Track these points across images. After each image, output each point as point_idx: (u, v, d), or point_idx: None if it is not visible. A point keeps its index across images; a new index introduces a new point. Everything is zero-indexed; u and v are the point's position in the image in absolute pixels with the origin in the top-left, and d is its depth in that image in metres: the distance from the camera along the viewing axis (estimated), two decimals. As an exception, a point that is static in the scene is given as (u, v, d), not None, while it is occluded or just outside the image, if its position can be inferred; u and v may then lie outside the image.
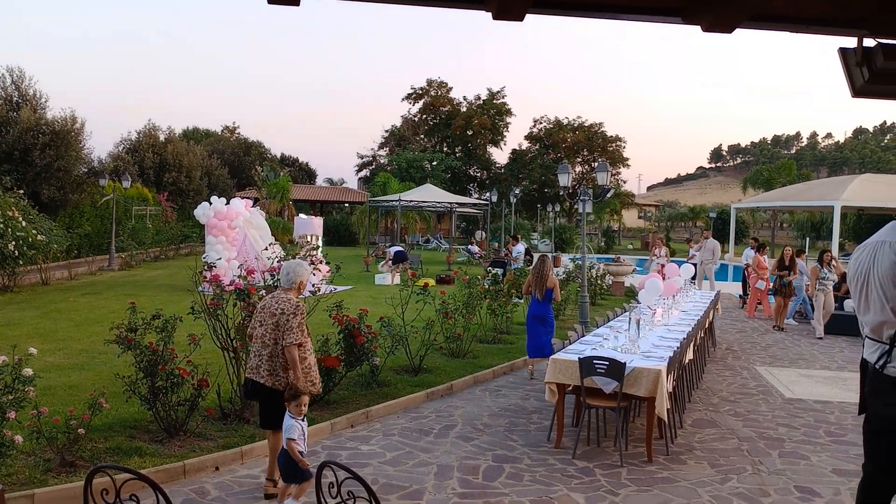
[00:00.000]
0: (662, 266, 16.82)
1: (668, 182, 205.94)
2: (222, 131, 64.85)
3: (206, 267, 7.67)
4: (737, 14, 2.32)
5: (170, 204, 31.41)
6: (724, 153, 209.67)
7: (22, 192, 17.81)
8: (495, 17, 2.34)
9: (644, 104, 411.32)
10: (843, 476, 6.36)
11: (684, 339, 8.01)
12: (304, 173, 62.54)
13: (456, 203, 33.37)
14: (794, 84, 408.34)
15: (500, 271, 17.51)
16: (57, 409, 6.37)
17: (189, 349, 6.58)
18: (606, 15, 2.47)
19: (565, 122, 56.69)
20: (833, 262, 14.43)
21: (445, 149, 57.22)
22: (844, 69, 2.61)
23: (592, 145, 55.69)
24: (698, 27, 2.44)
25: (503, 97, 57.21)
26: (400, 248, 23.84)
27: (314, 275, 7.01)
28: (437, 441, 7.05)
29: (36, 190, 21.00)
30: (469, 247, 33.66)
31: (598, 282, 18.68)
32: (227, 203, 18.34)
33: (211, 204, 18.13)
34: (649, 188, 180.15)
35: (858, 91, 2.58)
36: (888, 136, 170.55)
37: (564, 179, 14.72)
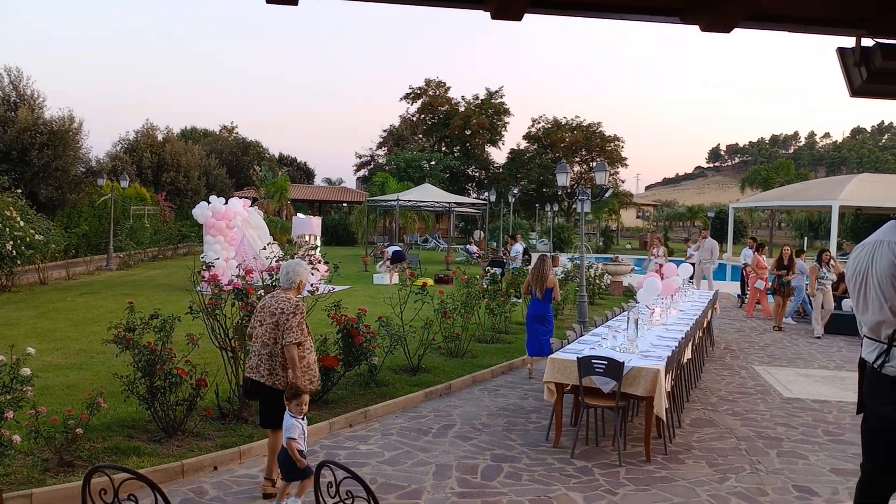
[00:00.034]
0: (660, 266, 16.84)
1: (667, 182, 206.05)
2: (220, 131, 64.80)
3: (204, 266, 7.66)
4: (735, 14, 2.32)
5: (168, 204, 31.38)
6: (723, 153, 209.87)
7: (20, 191, 17.79)
8: (494, 17, 2.34)
9: (642, 104, 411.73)
10: (841, 475, 6.36)
11: (682, 338, 8.01)
12: (303, 173, 62.52)
13: (454, 203, 33.36)
14: (793, 84, 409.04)
15: (498, 271, 17.50)
16: (55, 409, 6.37)
17: (187, 349, 6.57)
18: (605, 15, 2.46)
19: (563, 121, 56.69)
20: (832, 262, 14.45)
21: (444, 148, 57.21)
22: (843, 69, 2.62)
23: (591, 145, 55.70)
24: (696, 27, 2.44)
25: (501, 97, 57.24)
26: (398, 248, 23.82)
27: (312, 274, 7.00)
28: (436, 441, 7.05)
29: (34, 190, 20.96)
30: (467, 246, 33.64)
31: (597, 281, 18.67)
32: (226, 203, 18.33)
33: (209, 203, 18.12)
34: (647, 188, 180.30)
35: (857, 91, 2.58)
36: (886, 136, 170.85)
37: (563, 179, 14.73)
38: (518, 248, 20.42)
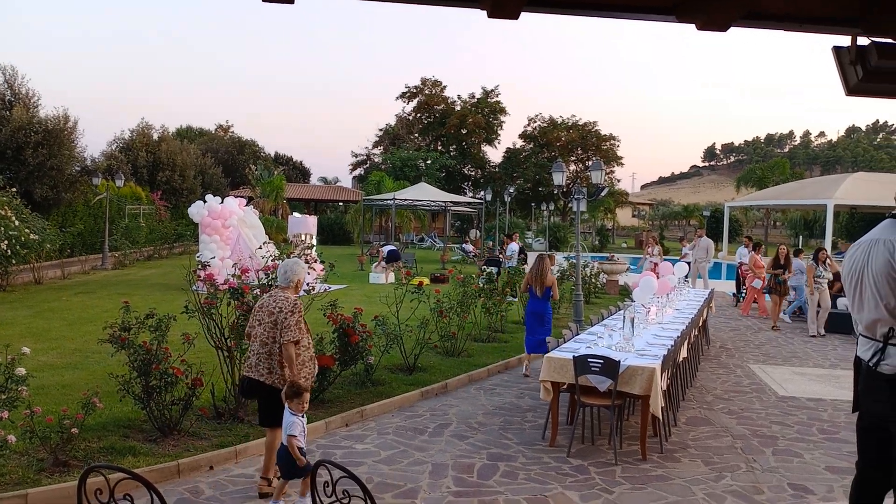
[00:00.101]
0: (656, 265, 16.86)
1: (662, 181, 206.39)
2: (216, 130, 64.71)
3: (199, 266, 7.66)
4: (731, 12, 2.33)
5: (163, 203, 31.33)
6: (718, 152, 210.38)
7: (14, 190, 17.73)
8: (490, 16, 2.34)
9: (638, 103, 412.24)
10: (836, 473, 6.38)
11: (678, 337, 8.02)
12: (299, 172, 62.44)
13: (450, 202, 33.33)
14: (788, 83, 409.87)
15: (494, 270, 17.50)
16: (50, 409, 6.36)
17: (183, 348, 6.56)
18: (600, 13, 2.47)
19: (559, 120, 56.81)
20: (828, 261, 14.49)
21: (440, 147, 57.26)
22: (838, 68, 2.62)
23: (586, 144, 55.81)
24: (692, 26, 2.45)
25: (497, 96, 57.30)
26: (393, 248, 23.81)
27: (308, 273, 7.00)
28: (432, 440, 7.05)
29: (29, 189, 20.90)
30: (463, 245, 33.66)
31: (593, 280, 18.70)
32: (221, 202, 18.30)
33: (205, 203, 18.09)
34: (643, 187, 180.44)
35: (852, 89, 2.59)
36: (880, 135, 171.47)
37: (559, 178, 14.75)
38: (514, 247, 20.41)
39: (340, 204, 52.31)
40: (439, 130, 56.88)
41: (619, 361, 6.51)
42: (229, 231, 17.98)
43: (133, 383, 6.34)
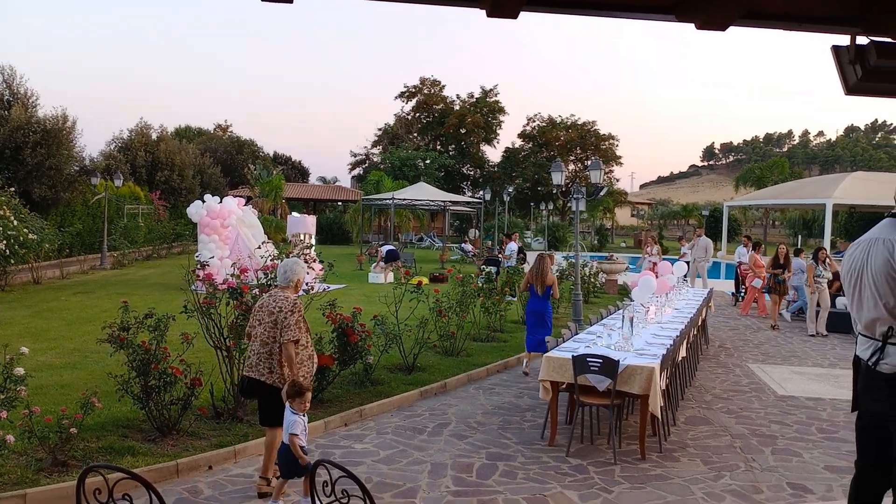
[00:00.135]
0: (654, 264, 16.86)
1: (661, 180, 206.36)
2: (214, 130, 64.73)
3: (198, 265, 7.65)
4: (730, 12, 2.33)
5: (162, 203, 31.32)
6: (717, 151, 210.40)
7: (13, 190, 17.72)
8: (489, 15, 2.34)
9: (637, 102, 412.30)
10: (835, 473, 6.38)
11: (677, 336, 8.03)
12: (297, 172, 62.44)
13: (449, 201, 33.35)
14: (787, 83, 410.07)
15: (493, 269, 17.51)
16: (49, 409, 6.35)
17: (182, 348, 6.56)
18: (600, 12, 2.47)
19: (558, 120, 56.81)
20: (828, 260, 14.50)
21: (439, 147, 57.26)
22: (837, 67, 2.62)
23: (585, 143, 55.82)
24: (692, 25, 2.45)
25: (496, 95, 57.30)
26: (391, 247, 23.80)
27: (307, 273, 7.00)
28: (431, 439, 7.05)
29: (27, 188, 20.88)
30: (462, 245, 33.66)
31: (592, 280, 18.71)
32: (220, 202, 18.30)
33: (204, 202, 18.08)
34: (642, 186, 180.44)
35: (852, 89, 2.59)
36: (879, 135, 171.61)
37: (558, 178, 14.76)
38: (512, 246, 20.41)
39: (339, 203, 52.31)
40: (438, 130, 56.87)
41: (618, 361, 6.51)
42: (228, 231, 17.97)
43: (132, 383, 6.34)
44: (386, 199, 30.36)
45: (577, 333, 8.41)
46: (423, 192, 31.46)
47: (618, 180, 60.65)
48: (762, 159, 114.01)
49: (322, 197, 53.08)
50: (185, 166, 35.21)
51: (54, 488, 5.27)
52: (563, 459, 6.53)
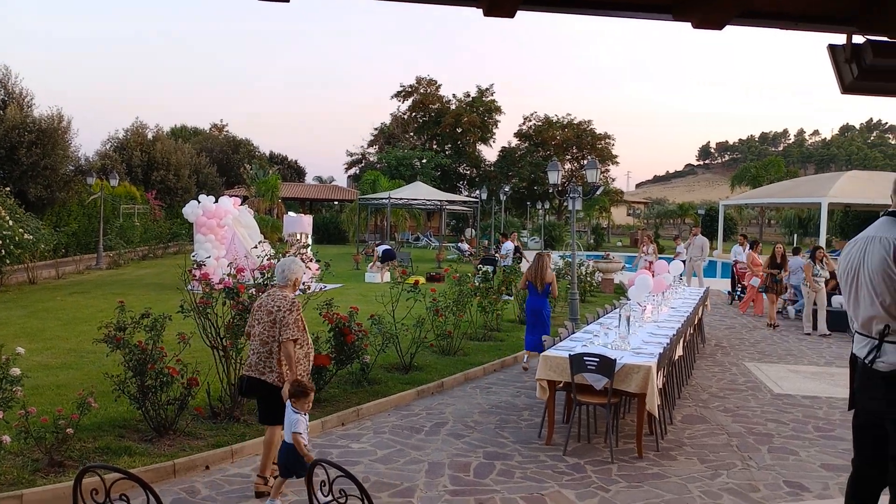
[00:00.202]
0: (651, 263, 16.88)
1: (657, 179, 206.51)
2: (210, 129, 64.65)
3: (195, 265, 7.64)
4: (727, 11, 2.33)
5: (158, 202, 31.25)
6: (713, 150, 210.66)
7: (8, 190, 17.69)
8: (486, 14, 2.34)
9: (633, 102, 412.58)
10: (831, 471, 6.40)
11: (674, 335, 8.04)
12: (293, 171, 62.40)
13: (446, 201, 33.37)
14: (783, 82, 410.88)
15: (490, 269, 17.52)
16: (45, 409, 6.32)
17: (178, 348, 6.55)
18: (596, 11, 2.47)
19: (555, 119, 56.79)
20: (825, 259, 14.52)
21: (435, 146, 57.23)
22: (834, 66, 2.63)
23: (581, 143, 55.82)
24: (688, 24, 2.45)
25: (492, 94, 57.29)
26: (388, 247, 23.78)
27: (304, 273, 6.99)
28: (428, 439, 7.05)
29: (23, 188, 20.83)
30: (459, 244, 33.65)
31: (588, 279, 18.72)
32: (215, 201, 18.27)
33: (199, 202, 18.06)
34: (638, 185, 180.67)
35: (848, 88, 2.60)
36: (874, 134, 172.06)
37: (554, 177, 14.76)
38: (509, 245, 20.43)
39: (336, 203, 52.29)
40: (434, 129, 56.84)
41: (615, 360, 6.52)
42: (224, 230, 17.95)
43: (128, 383, 6.33)
44: (382, 199, 30.35)
45: (573, 332, 8.42)
46: (420, 192, 31.46)
47: (614, 179, 60.62)
48: (758, 158, 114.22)
49: (318, 196, 53.05)
50: (182, 166, 35.15)
51: (51, 489, 5.26)
52: (561, 458, 6.54)
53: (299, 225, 20.94)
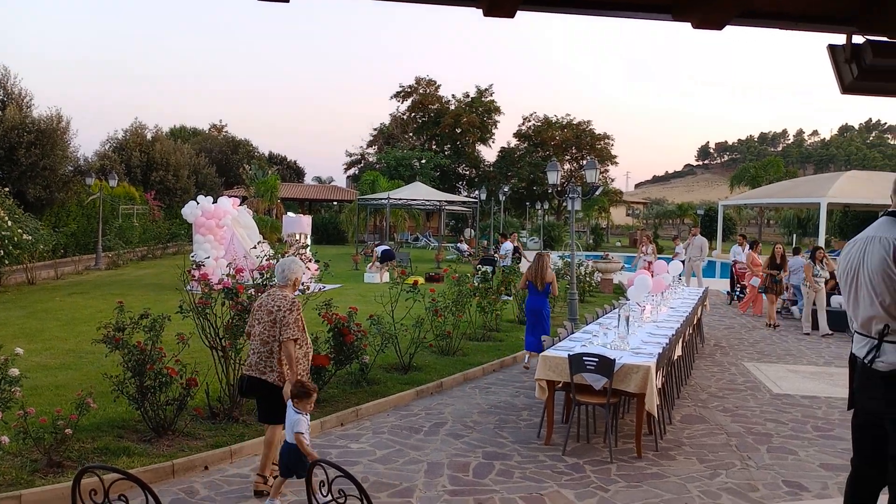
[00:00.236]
0: (650, 263, 16.89)
1: (656, 179, 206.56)
2: (210, 129, 64.54)
3: (194, 266, 7.63)
4: (727, 11, 2.33)
5: (157, 203, 31.22)
6: (712, 150, 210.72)
7: (7, 190, 17.66)
8: (486, 14, 2.33)
9: (632, 102, 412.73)
10: (830, 471, 6.40)
11: (673, 335, 8.04)
12: (293, 172, 62.38)
13: (445, 201, 33.36)
14: (782, 82, 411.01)
15: (489, 269, 17.52)
16: (44, 410, 6.31)
17: (177, 348, 6.54)
18: (596, 11, 2.46)
19: (554, 119, 56.80)
20: (825, 259, 14.52)
21: (434, 147, 57.21)
22: (833, 66, 2.63)
23: (581, 143, 55.83)
24: (688, 24, 2.45)
25: (491, 95, 57.28)
26: (387, 247, 23.77)
27: (303, 273, 6.99)
28: (427, 439, 7.05)
29: (21, 189, 20.81)
30: (458, 245, 33.65)
31: (587, 279, 18.72)
32: (214, 202, 18.26)
33: (198, 203, 18.05)
34: (637, 185, 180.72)
35: (847, 88, 2.60)
36: (873, 134, 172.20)
37: (553, 177, 14.75)
38: (508, 245, 20.43)
39: (335, 203, 52.27)
40: (434, 130, 56.82)
41: (615, 360, 6.52)
42: (223, 231, 17.94)
43: (127, 383, 6.33)
44: (381, 199, 30.34)
45: (573, 332, 8.42)
46: (419, 192, 31.46)
47: (613, 180, 60.65)
48: (757, 158, 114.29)
49: (318, 197, 53.04)
50: (181, 166, 35.12)
51: (50, 489, 5.25)
52: (560, 458, 6.54)
53: (298, 225, 20.91)
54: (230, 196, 20.68)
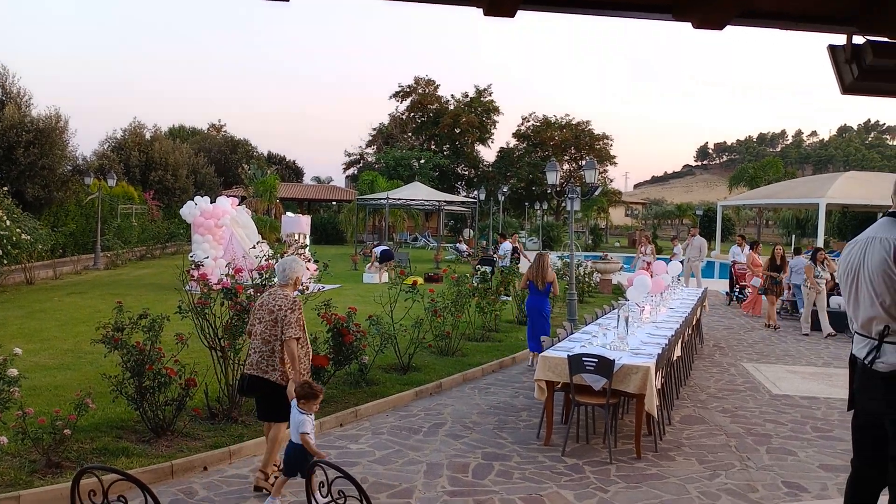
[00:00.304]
0: (649, 264, 16.90)
1: (655, 180, 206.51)
2: (208, 129, 64.52)
3: (192, 266, 7.62)
4: (727, 10, 2.33)
5: (156, 202, 31.21)
6: (711, 151, 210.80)
7: (6, 190, 17.64)
8: (486, 14, 2.33)
9: (631, 102, 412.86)
10: (830, 471, 6.40)
11: (672, 336, 8.04)
12: (292, 171, 62.36)
13: (444, 201, 33.34)
14: (781, 82, 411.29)
15: (488, 269, 17.52)
16: (42, 410, 6.31)
17: (176, 348, 6.53)
18: (597, 11, 2.46)
19: (553, 120, 56.81)
20: (826, 261, 14.53)
21: (433, 147, 57.24)
22: (834, 66, 2.63)
23: (580, 143, 55.85)
24: (688, 24, 2.44)
25: (490, 95, 57.31)
26: (386, 248, 23.76)
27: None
28: (427, 439, 7.04)
29: (20, 188, 20.79)
30: (457, 245, 33.64)
31: (586, 279, 18.72)
32: (213, 202, 18.26)
33: (196, 203, 18.04)
34: (636, 186, 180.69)
35: (848, 88, 2.60)
36: (872, 134, 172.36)
37: (552, 177, 14.75)
38: (507, 245, 20.43)
39: (334, 203, 52.28)
40: (433, 130, 56.85)
41: (614, 360, 6.52)
42: (222, 231, 17.93)
43: (126, 384, 6.32)
44: (380, 199, 30.33)
45: (572, 333, 8.42)
46: (418, 192, 31.44)
47: (612, 180, 60.70)
48: (755, 159, 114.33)
49: (316, 197, 53.05)
50: (179, 166, 35.11)
51: (48, 490, 5.25)
52: (559, 459, 6.54)
53: (297, 225, 20.90)
54: (229, 196, 20.68)
